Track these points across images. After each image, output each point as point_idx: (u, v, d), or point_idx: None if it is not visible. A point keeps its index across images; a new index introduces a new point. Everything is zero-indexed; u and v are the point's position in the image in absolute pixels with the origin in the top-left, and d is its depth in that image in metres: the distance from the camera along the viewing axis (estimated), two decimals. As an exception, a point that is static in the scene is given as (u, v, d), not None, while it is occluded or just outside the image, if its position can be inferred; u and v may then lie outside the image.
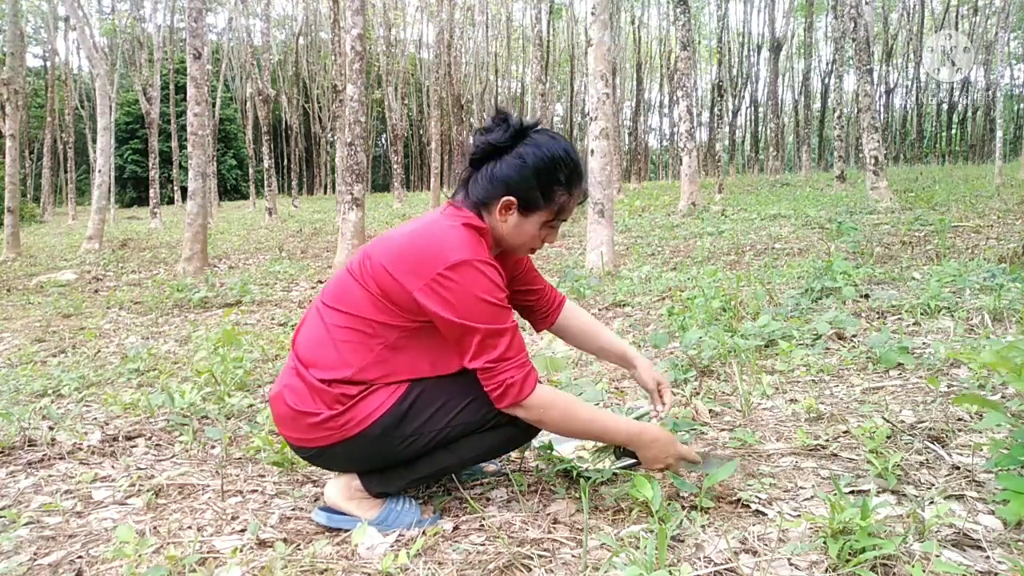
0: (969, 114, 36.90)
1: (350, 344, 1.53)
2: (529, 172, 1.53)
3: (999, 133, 13.28)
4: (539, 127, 1.60)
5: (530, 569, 1.38)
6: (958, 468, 1.71)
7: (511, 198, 1.54)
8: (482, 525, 1.59)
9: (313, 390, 1.53)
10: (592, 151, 6.20)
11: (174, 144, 23.24)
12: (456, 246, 1.48)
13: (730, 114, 35.90)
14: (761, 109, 33.88)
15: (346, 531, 1.61)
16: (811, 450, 1.92)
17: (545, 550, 1.46)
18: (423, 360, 1.55)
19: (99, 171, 11.08)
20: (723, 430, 2.17)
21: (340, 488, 1.64)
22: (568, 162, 1.55)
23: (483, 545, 1.50)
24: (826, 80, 31.33)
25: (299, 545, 1.54)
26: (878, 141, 10.77)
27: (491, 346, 1.46)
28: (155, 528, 1.66)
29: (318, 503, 1.77)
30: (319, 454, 1.59)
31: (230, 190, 36.20)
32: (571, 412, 1.53)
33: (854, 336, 3.06)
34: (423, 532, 1.56)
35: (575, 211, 1.67)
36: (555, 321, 1.90)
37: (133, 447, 2.29)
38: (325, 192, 38.39)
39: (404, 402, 1.52)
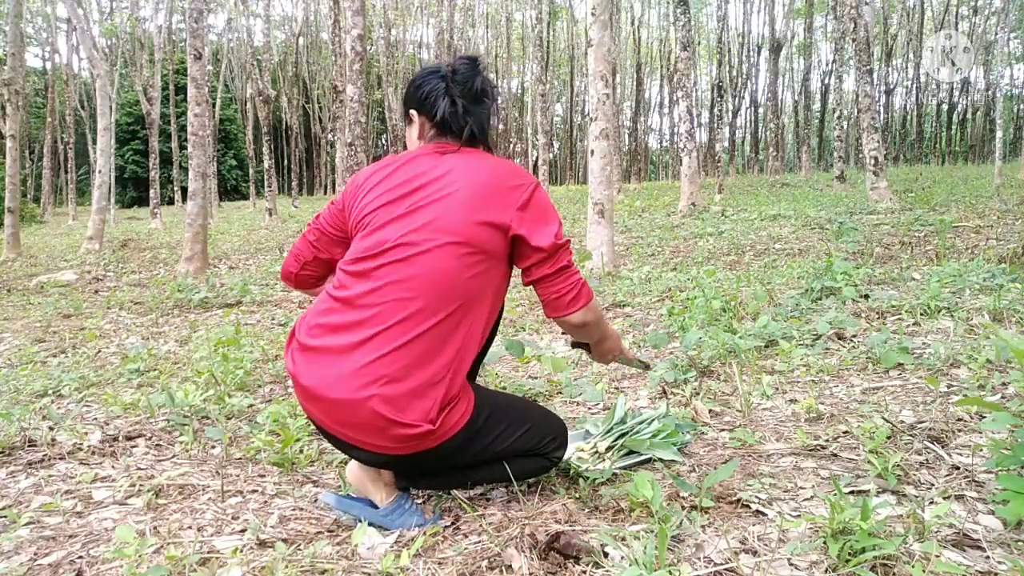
0: (969, 114, 36.88)
1: (424, 345, 1.46)
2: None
3: (999, 133, 13.26)
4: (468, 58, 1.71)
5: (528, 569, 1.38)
6: (958, 468, 1.71)
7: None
8: (481, 525, 1.59)
9: (411, 399, 1.44)
10: (592, 151, 6.20)
11: (174, 144, 23.21)
12: (525, 171, 1.67)
13: (730, 114, 35.91)
14: (761, 109, 33.85)
15: (347, 527, 1.61)
16: (811, 450, 1.92)
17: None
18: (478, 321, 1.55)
19: (99, 171, 11.07)
20: (723, 430, 2.17)
21: (365, 468, 1.63)
22: (414, 80, 1.69)
23: (482, 545, 1.50)
24: (826, 80, 31.34)
25: (299, 545, 1.54)
26: (878, 141, 10.76)
27: (568, 253, 1.60)
28: (155, 528, 1.66)
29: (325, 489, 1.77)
30: (393, 461, 1.54)
31: (230, 190, 36.15)
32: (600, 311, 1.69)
33: (854, 336, 3.06)
34: (423, 532, 1.56)
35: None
36: None
37: (133, 447, 2.30)
38: (325, 192, 38.39)
39: (479, 418, 1.55)
